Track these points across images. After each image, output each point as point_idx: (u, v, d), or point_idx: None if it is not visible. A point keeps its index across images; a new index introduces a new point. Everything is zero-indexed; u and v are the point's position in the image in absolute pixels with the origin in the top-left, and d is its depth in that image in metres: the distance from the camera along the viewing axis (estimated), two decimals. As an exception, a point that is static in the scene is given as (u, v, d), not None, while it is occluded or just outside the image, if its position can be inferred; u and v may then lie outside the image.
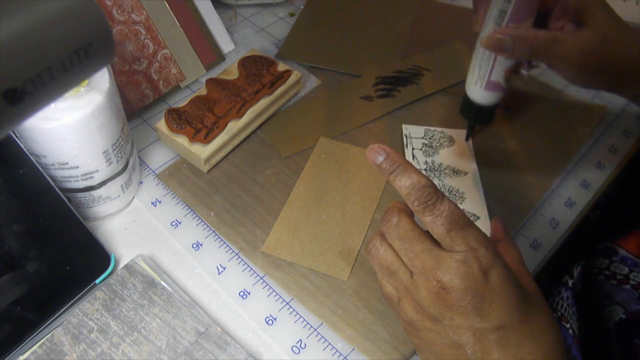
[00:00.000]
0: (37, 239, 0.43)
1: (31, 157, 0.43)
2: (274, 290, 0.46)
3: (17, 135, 0.42)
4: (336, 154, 0.56)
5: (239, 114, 0.55)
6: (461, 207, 0.47)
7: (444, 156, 0.55)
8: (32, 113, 0.22)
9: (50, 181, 0.43)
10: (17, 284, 0.42)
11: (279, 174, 0.54)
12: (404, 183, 0.35)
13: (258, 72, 0.59)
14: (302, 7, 0.73)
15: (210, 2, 0.64)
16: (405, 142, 0.56)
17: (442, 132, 0.57)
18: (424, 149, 0.55)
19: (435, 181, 0.53)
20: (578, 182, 0.56)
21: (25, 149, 0.42)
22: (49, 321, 0.43)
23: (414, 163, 0.54)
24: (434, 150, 0.55)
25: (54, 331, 0.42)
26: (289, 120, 0.59)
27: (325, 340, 0.44)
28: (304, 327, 0.44)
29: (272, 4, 0.74)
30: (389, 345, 0.43)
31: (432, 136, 0.56)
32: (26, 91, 0.21)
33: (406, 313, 0.36)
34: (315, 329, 0.44)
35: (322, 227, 0.50)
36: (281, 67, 0.60)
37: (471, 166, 0.55)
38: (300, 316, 0.45)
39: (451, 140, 0.56)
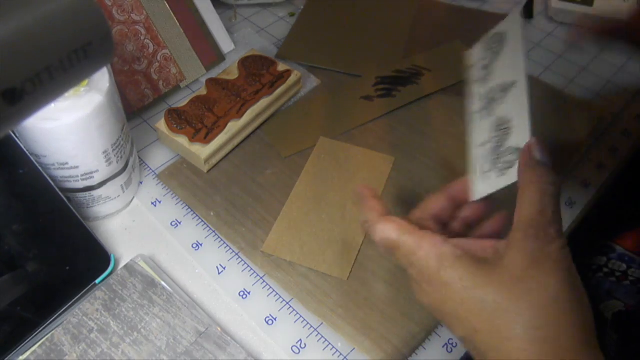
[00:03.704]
0: (37, 239, 0.43)
1: (31, 157, 0.43)
2: (274, 290, 0.46)
3: (17, 135, 0.42)
4: (336, 154, 0.56)
5: (239, 114, 0.55)
6: (506, 144, 0.39)
7: (495, 70, 0.44)
8: (31, 113, 0.22)
9: (50, 181, 0.43)
10: (17, 284, 0.42)
11: (279, 174, 0.54)
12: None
13: (258, 72, 0.58)
14: (302, 7, 0.73)
15: (210, 2, 0.64)
16: (474, 76, 0.45)
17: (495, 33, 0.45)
18: (482, 73, 0.44)
19: (486, 114, 0.42)
20: (578, 182, 0.56)
21: (25, 149, 0.42)
22: (49, 321, 0.43)
23: (472, 102, 0.44)
24: (487, 72, 0.44)
25: (54, 331, 0.42)
26: (289, 120, 0.59)
27: (326, 340, 0.44)
28: (304, 327, 0.44)
29: (272, 4, 0.74)
30: (389, 345, 0.43)
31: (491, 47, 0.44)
32: (26, 91, 0.21)
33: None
34: (315, 329, 0.44)
35: (322, 227, 0.50)
36: (281, 67, 0.60)
37: (520, 67, 0.42)
38: (300, 316, 0.45)
39: (501, 41, 0.44)
